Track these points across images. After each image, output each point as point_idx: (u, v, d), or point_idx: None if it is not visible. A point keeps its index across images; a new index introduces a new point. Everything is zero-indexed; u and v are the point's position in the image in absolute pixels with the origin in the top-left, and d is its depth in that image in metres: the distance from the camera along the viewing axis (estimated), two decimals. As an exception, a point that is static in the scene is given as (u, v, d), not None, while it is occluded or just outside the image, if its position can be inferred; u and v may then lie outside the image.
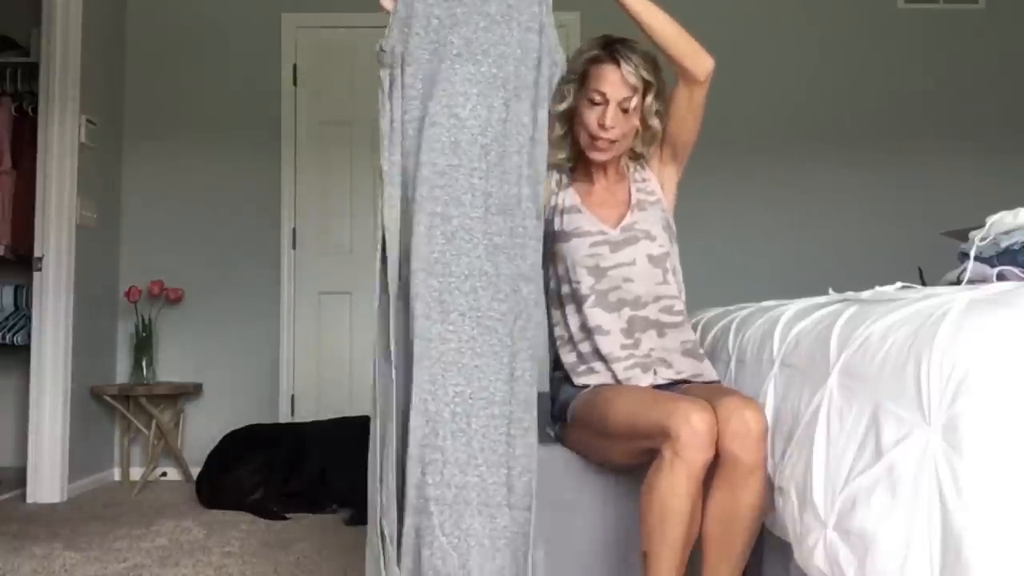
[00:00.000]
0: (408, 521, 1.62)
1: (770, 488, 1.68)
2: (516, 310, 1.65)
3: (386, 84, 1.72)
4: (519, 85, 1.69)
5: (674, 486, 1.63)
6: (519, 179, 1.68)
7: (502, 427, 1.64)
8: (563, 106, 2.05)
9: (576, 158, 2.11)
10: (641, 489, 1.70)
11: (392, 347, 1.67)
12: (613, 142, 2.01)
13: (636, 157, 2.10)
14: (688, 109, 2.00)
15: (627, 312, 1.98)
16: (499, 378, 1.65)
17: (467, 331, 1.64)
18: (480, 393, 1.64)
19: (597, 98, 1.98)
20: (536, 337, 1.67)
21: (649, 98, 1.99)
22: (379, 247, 1.70)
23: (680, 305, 2.04)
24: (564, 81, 2.03)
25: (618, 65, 1.97)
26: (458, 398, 1.63)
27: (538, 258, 1.70)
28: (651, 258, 2.01)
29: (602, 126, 1.98)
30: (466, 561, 1.61)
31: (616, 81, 1.97)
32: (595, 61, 2.01)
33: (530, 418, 1.65)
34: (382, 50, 1.74)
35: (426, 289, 1.64)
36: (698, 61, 1.93)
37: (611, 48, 2.00)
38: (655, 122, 2.03)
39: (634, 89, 1.97)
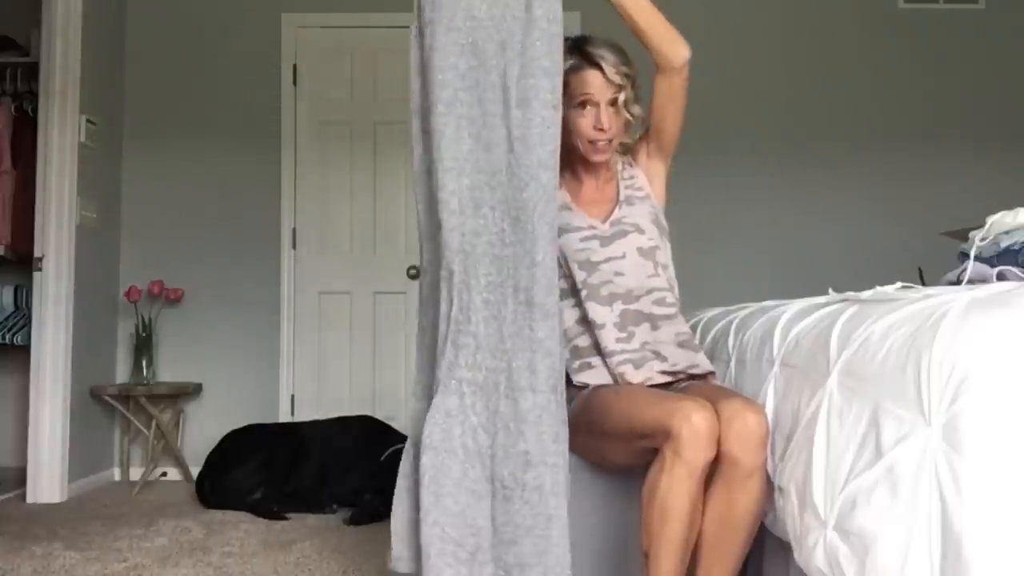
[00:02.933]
0: (437, 400, 1.74)
1: (770, 491, 1.68)
2: (536, 197, 1.74)
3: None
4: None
5: (674, 486, 1.63)
6: (536, 71, 1.75)
7: (526, 312, 1.74)
8: None
9: (562, 162, 2.12)
10: (642, 489, 1.70)
11: (429, 247, 1.81)
12: (611, 141, 2.05)
13: (626, 151, 2.13)
14: (668, 99, 2.03)
15: (619, 306, 1.99)
16: (523, 264, 1.75)
17: (497, 223, 1.76)
18: (508, 281, 1.75)
19: (586, 103, 2.02)
20: (553, 221, 1.75)
21: (630, 89, 2.03)
22: (415, 154, 1.82)
23: (672, 297, 2.06)
24: None
25: (600, 68, 2.01)
26: (490, 287, 1.75)
27: (555, 146, 1.76)
28: (641, 251, 2.03)
29: (599, 129, 2.02)
30: (493, 441, 1.71)
31: (601, 84, 2.01)
32: (574, 69, 2.02)
33: (552, 302, 1.74)
34: None
35: (458, 186, 1.75)
36: (675, 48, 1.95)
37: (583, 52, 2.03)
38: (636, 109, 2.06)
39: (619, 87, 2.02)
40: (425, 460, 1.71)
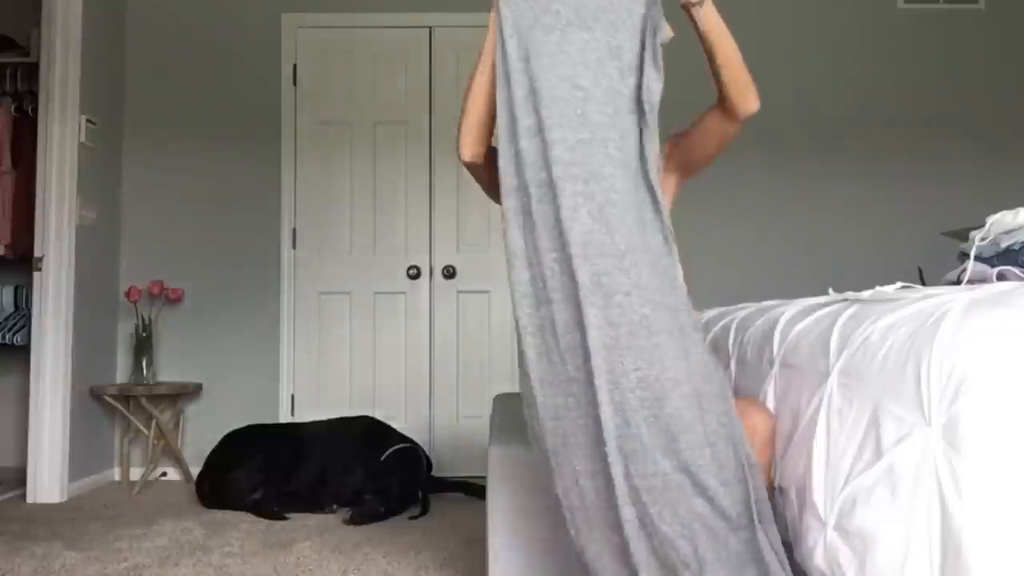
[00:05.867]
0: (626, 513, 1.53)
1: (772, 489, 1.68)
2: (667, 281, 1.57)
3: (499, 58, 1.67)
4: (631, 59, 1.63)
5: None
6: (640, 152, 1.61)
7: (694, 406, 1.52)
8: None
9: None
10: None
11: (563, 342, 1.58)
12: None
13: None
14: (716, 137, 1.96)
15: None
16: (676, 355, 1.54)
17: (636, 310, 1.53)
18: (665, 374, 1.53)
19: None
20: (688, 311, 1.58)
21: None
22: (508, 240, 1.62)
23: None
24: None
25: None
26: (642, 383, 1.52)
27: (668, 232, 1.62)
28: None
29: None
30: (696, 547, 1.52)
31: None
32: None
33: (714, 386, 1.54)
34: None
35: (584, 275, 1.54)
36: (745, 97, 1.87)
37: None
38: None
39: None
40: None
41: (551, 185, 1.59)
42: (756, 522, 1.53)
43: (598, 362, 1.53)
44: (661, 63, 1.64)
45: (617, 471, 1.52)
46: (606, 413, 1.52)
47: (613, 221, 1.56)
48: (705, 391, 1.55)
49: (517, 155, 1.63)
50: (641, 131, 1.63)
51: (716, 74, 1.86)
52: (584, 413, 1.56)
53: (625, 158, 1.59)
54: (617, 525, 1.54)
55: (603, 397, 1.53)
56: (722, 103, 1.90)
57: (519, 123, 1.63)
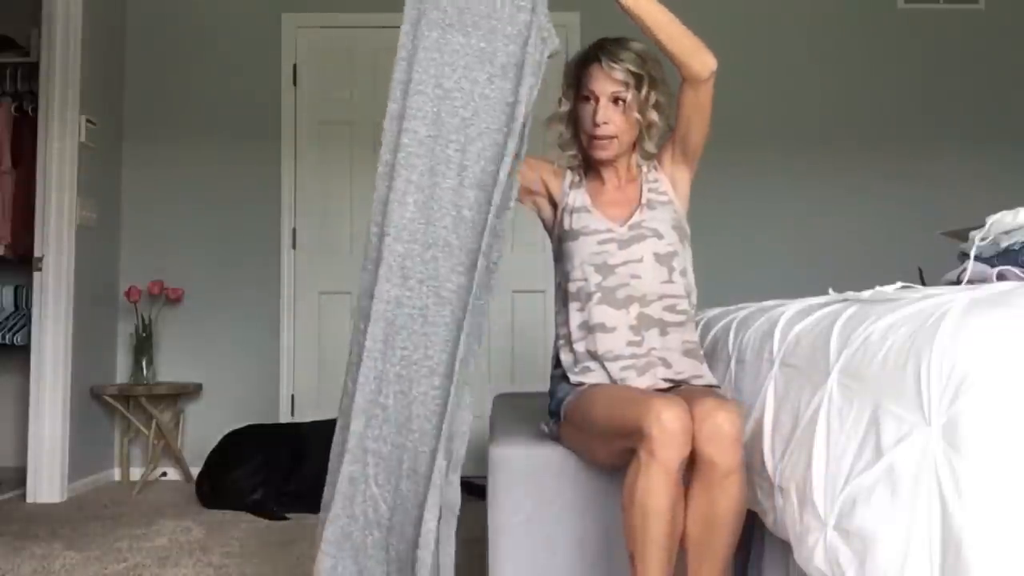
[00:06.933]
0: (344, 469, 1.71)
1: (751, 489, 1.69)
2: (471, 284, 1.70)
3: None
4: (506, 63, 1.72)
5: (651, 486, 1.62)
6: (495, 157, 1.71)
7: (440, 399, 1.70)
8: (563, 109, 2.09)
9: (586, 160, 2.13)
10: (622, 491, 1.70)
11: (361, 305, 1.77)
12: (611, 138, 2.02)
13: (649, 157, 2.11)
14: (694, 109, 1.99)
15: (636, 308, 1.98)
16: (444, 350, 1.71)
17: (422, 298, 1.72)
18: (424, 361, 1.71)
19: (588, 97, 2.03)
20: (483, 313, 1.72)
21: (644, 91, 2.00)
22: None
23: (684, 305, 2.03)
24: (564, 86, 2.09)
25: (601, 62, 2.01)
26: (404, 361, 1.71)
27: (501, 239, 1.74)
28: (657, 256, 2.00)
29: (595, 123, 2.01)
30: (391, 515, 1.70)
31: (602, 78, 2.00)
32: (584, 63, 2.05)
33: (469, 397, 1.72)
34: None
35: (390, 253, 1.71)
36: (699, 59, 1.91)
37: (598, 48, 2.04)
38: (654, 115, 2.03)
39: (623, 84, 1.99)
40: (328, 532, 1.72)
41: (392, 167, 1.75)
42: (439, 520, 1.70)
43: (375, 330, 1.71)
44: (540, 72, 1.74)
45: (357, 426, 1.71)
46: (366, 375, 1.72)
47: (432, 215, 1.73)
48: (459, 395, 1.71)
49: (389, 134, 1.81)
50: (505, 135, 1.72)
51: (664, 50, 1.92)
52: (355, 367, 1.76)
53: (463, 160, 1.73)
54: (342, 471, 1.72)
55: (368, 361, 1.72)
56: (683, 74, 1.95)
57: (393, 104, 1.79)
